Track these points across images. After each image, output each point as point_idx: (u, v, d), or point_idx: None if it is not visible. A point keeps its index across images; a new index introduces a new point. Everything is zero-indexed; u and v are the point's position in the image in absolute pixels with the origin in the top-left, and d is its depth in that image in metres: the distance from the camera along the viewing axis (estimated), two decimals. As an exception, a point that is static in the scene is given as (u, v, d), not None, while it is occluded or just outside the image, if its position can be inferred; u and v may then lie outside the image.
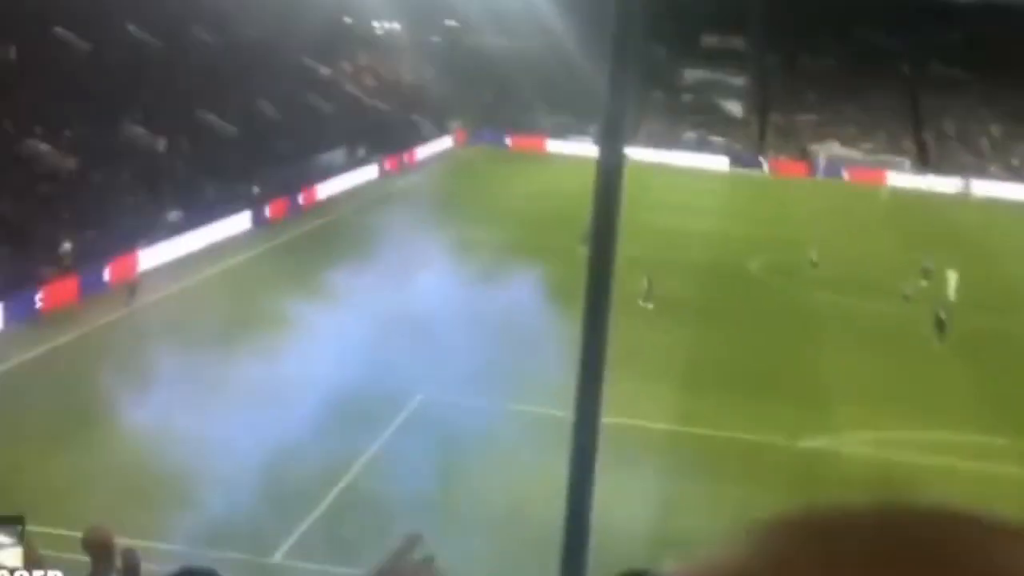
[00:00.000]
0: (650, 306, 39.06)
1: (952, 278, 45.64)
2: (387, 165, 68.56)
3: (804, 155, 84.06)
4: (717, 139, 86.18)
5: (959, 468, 28.49)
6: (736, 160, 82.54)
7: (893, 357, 37.48)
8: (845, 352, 37.95)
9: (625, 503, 23.85)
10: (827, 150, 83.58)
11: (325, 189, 59.39)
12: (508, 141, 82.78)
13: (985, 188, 77.20)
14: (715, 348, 37.07)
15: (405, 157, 72.12)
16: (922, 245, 53.29)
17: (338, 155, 65.08)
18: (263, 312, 34.98)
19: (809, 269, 48.76)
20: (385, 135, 70.81)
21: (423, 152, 75.50)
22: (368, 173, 65.65)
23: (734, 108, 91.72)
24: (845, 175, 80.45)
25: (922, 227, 61.86)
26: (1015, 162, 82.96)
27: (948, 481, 27.39)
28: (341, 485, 25.04)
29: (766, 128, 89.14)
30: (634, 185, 57.41)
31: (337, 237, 49.27)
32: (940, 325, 39.63)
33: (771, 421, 30.43)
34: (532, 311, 33.08)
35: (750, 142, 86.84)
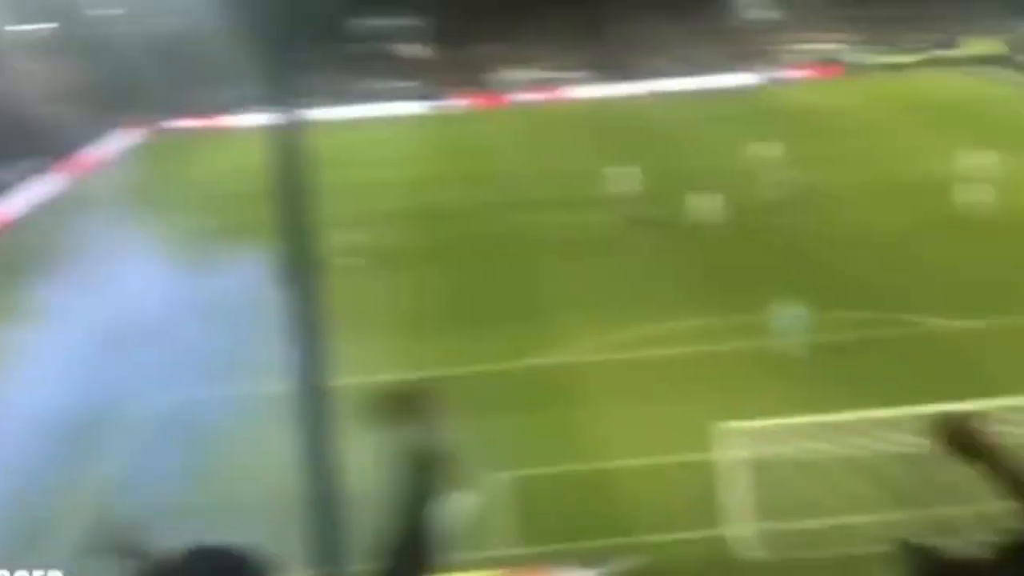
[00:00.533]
0: (361, 261, 38.74)
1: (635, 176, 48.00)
2: (62, 171, 65.19)
3: (488, 85, 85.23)
4: (400, 84, 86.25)
5: (680, 354, 29.76)
6: (422, 101, 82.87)
7: (601, 263, 38.71)
8: (557, 267, 38.93)
9: (373, 456, 23.76)
10: (510, 75, 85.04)
11: None
12: (186, 124, 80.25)
13: (665, 85, 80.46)
14: (434, 290, 37.30)
15: (81, 160, 68.79)
16: (613, 150, 55.10)
17: (5, 172, 61.35)
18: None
19: (509, 196, 49.56)
20: (55, 142, 67.27)
21: (99, 151, 72.20)
22: (44, 184, 62.20)
23: (411, 50, 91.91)
24: (530, 97, 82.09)
25: (610, 134, 63.83)
26: (680, 53, 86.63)
27: (677, 368, 28.61)
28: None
29: (447, 64, 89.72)
30: (324, 144, 56.64)
31: (21, 256, 46.67)
32: (637, 223, 41.37)
33: (500, 347, 30.92)
34: (243, 293, 32.28)
35: (433, 81, 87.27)
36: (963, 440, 2.89)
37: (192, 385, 29.18)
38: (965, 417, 2.84)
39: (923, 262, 35.82)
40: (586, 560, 20.43)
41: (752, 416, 21.98)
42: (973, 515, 19.60)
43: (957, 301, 31.60)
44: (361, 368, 27.50)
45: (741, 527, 20.65)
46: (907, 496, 20.15)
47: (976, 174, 42.10)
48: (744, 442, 20.83)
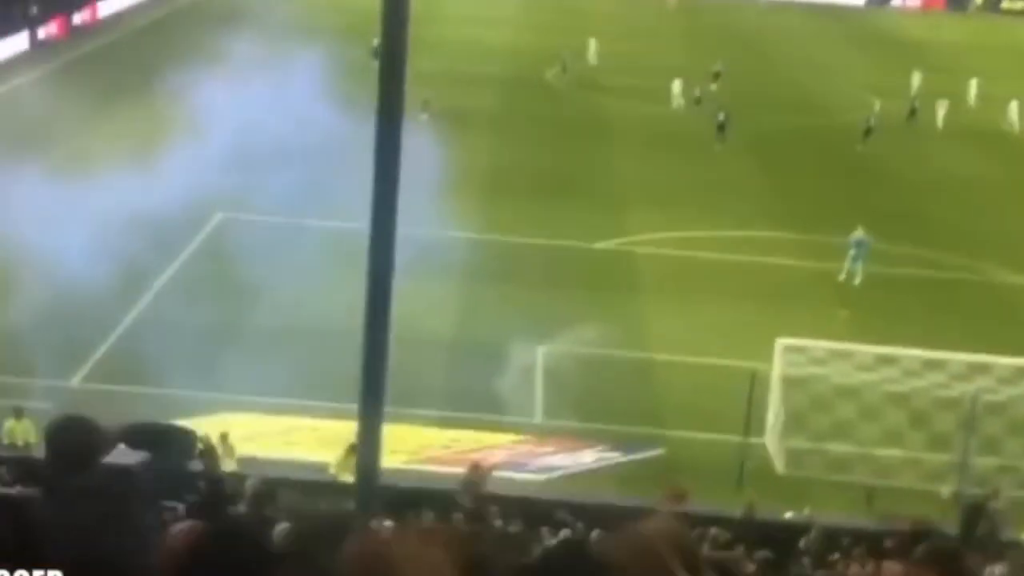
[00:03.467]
0: (424, 117, 38.54)
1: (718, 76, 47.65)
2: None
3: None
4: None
5: (750, 263, 29.90)
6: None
7: (682, 160, 38.62)
8: (637, 157, 38.91)
9: (430, 310, 24.37)
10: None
11: (106, 6, 56.53)
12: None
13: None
14: (511, 157, 37.47)
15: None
16: (711, 51, 54.38)
17: None
18: (50, 135, 33.65)
19: (601, 78, 49.25)
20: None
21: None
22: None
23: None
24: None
25: (710, 34, 62.86)
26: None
27: (741, 277, 28.77)
28: (140, 307, 24.87)
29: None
30: (426, -3, 56.15)
31: (121, 58, 47.31)
32: (721, 127, 41.06)
33: (567, 226, 31.18)
34: (328, 128, 32.66)
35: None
36: None
37: (260, 207, 29.88)
38: None
39: (1005, 214, 35.37)
40: (615, 443, 20.96)
41: (804, 334, 22.21)
42: (997, 467, 19.95)
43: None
44: (433, 221, 28.06)
45: (772, 440, 21.03)
46: (940, 439, 20.39)
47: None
48: (790, 358, 21.09)
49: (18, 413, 18.85)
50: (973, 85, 49.51)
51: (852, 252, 29.24)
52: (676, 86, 46.53)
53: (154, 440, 4.03)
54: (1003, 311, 27.81)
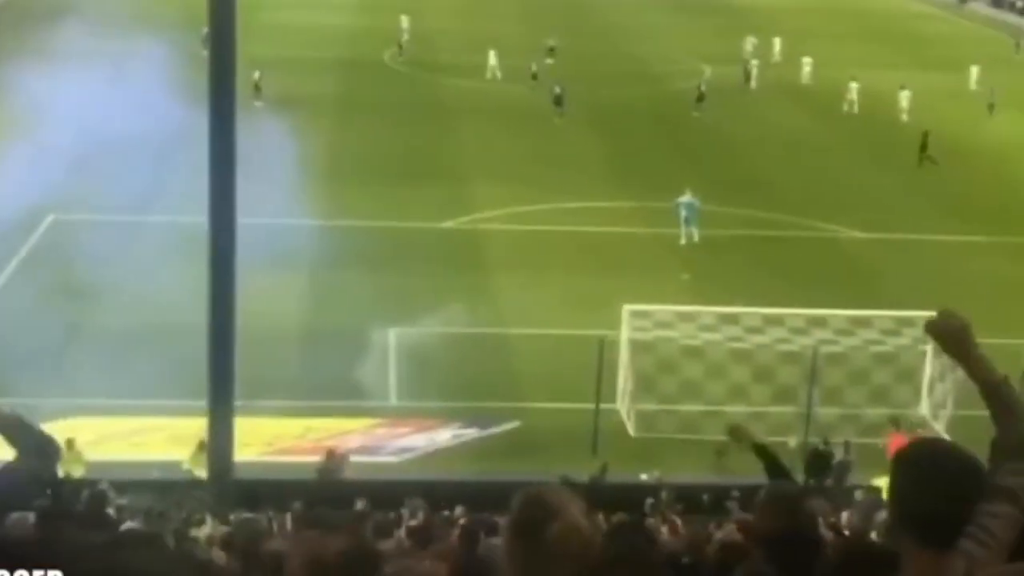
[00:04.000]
0: (258, 104, 38.07)
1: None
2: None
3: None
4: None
5: (589, 232, 30.32)
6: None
7: (520, 135, 38.92)
8: (477, 135, 39.07)
9: (278, 299, 24.14)
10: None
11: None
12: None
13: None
14: (353, 141, 37.28)
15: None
16: (545, 26, 54.92)
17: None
18: None
19: (438, 57, 49.25)
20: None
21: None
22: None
23: None
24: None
25: (544, 9, 63.35)
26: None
27: (584, 247, 29.16)
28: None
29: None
30: (256, -19, 55.13)
31: None
32: (558, 101, 41.56)
33: (412, 207, 31.17)
34: (161, 121, 31.95)
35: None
36: (943, 334, 3.19)
37: (93, 205, 29.15)
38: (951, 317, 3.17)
39: (842, 173, 36.54)
40: (470, 420, 21.11)
41: (649, 300, 22.67)
42: (840, 416, 20.73)
43: (868, 215, 32.37)
44: (275, 210, 27.74)
45: (623, 404, 21.45)
46: (784, 391, 21.08)
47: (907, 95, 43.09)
48: (636, 323, 21.52)
49: None
50: (780, 45, 51.01)
51: (684, 214, 29.99)
52: (492, 57, 47.00)
53: (20, 439, 3.84)
54: (837, 266, 28.77)
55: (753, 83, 47.29)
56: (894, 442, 18.59)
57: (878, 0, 70.51)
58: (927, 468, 2.97)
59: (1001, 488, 2.98)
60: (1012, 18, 64.92)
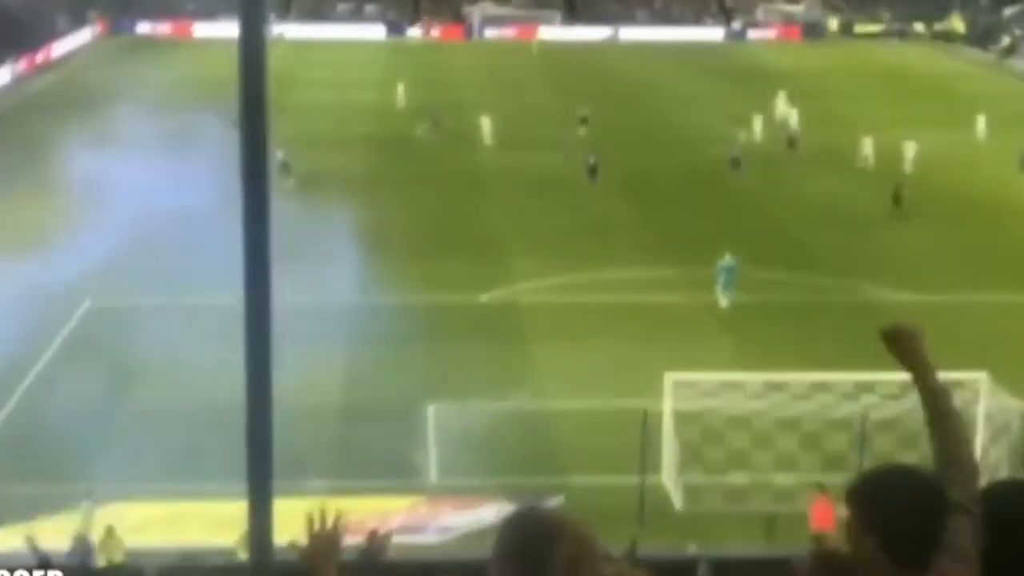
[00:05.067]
0: (290, 183, 37.83)
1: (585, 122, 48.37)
2: (22, 66, 64.02)
3: (458, 18, 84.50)
4: (371, 7, 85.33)
5: (631, 302, 30.04)
6: (392, 28, 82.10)
7: (556, 206, 38.84)
8: (513, 207, 39.00)
9: (316, 378, 23.94)
10: (480, 10, 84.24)
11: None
12: (153, 28, 79.05)
13: (632, 34, 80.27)
14: (386, 216, 37.26)
15: (41, 55, 67.55)
16: (577, 95, 55.09)
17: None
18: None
19: (473, 130, 49.41)
20: (15, 33, 65.98)
21: (61, 48, 70.93)
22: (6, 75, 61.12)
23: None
24: (497, 33, 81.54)
25: (575, 77, 63.71)
26: (658, 5, 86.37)
27: (623, 317, 28.87)
28: (11, 404, 23.99)
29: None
30: (289, 62, 56.27)
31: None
32: (592, 171, 41.60)
33: (450, 280, 31.03)
34: (194, 203, 32.12)
35: (404, 9, 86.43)
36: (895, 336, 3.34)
37: (131, 289, 29.22)
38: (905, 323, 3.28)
39: (872, 233, 36.22)
40: (513, 496, 20.71)
41: (691, 368, 22.31)
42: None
43: (900, 274, 32.01)
44: (314, 289, 27.68)
45: (669, 477, 21.02)
46: (834, 459, 20.59)
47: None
48: (680, 393, 21.16)
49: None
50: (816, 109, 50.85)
51: (722, 279, 29.78)
52: (485, 124, 47.22)
53: None
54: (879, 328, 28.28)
55: (796, 148, 46.96)
56: (818, 507, 18.24)
57: (922, 63, 70.60)
58: (895, 493, 3.02)
59: (955, 502, 3.01)
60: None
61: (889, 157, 43.43)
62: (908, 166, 42.76)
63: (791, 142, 47.04)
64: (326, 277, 30.02)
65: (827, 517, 17.92)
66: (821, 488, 18.77)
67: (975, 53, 72.93)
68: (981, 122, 49.28)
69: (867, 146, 44.54)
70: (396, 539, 18.70)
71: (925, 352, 3.31)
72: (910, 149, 43.40)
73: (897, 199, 37.74)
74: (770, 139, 47.94)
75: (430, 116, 50.23)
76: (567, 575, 2.82)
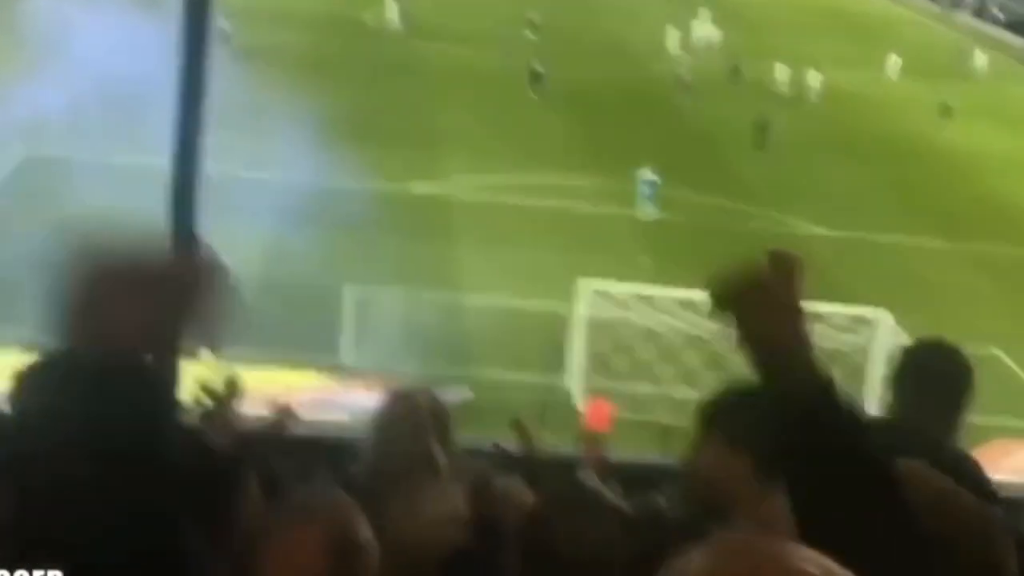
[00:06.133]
0: (228, 52, 37.31)
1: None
2: None
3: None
4: None
5: (556, 208, 30.40)
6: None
7: (497, 107, 38.87)
8: (452, 102, 38.97)
9: (238, 251, 23.99)
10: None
11: None
12: None
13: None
14: (326, 101, 37.01)
15: None
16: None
17: None
18: None
19: (421, 20, 48.99)
20: None
21: None
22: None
23: None
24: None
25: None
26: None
27: (551, 222, 29.24)
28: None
29: None
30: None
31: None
32: (536, 77, 41.59)
33: (382, 169, 31.11)
34: (129, 57, 31.64)
35: None
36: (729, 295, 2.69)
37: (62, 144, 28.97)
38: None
39: (801, 167, 36.80)
40: (423, 382, 21.13)
41: (609, 278, 22.79)
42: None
43: (818, 208, 32.67)
44: (239, 162, 27.60)
45: (575, 380, 21.58)
46: (735, 378, 21.23)
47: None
48: (595, 301, 21.65)
49: None
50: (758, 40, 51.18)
51: (643, 192, 30.36)
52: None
53: None
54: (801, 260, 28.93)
55: (736, 77, 47.26)
56: (593, 408, 19.27)
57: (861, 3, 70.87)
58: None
59: None
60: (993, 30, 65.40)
61: (800, 87, 44.32)
62: (814, 97, 43.70)
63: (734, 70, 47.23)
64: (257, 153, 29.93)
65: (602, 418, 18.85)
66: (598, 393, 19.66)
67: (922, 1, 73.28)
68: (895, 64, 50.15)
69: (816, 80, 45.22)
70: (304, 414, 19.05)
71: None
72: (815, 80, 44.33)
73: (762, 128, 38.41)
74: (709, 62, 48.13)
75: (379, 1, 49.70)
76: (413, 443, 3.08)
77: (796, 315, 1.89)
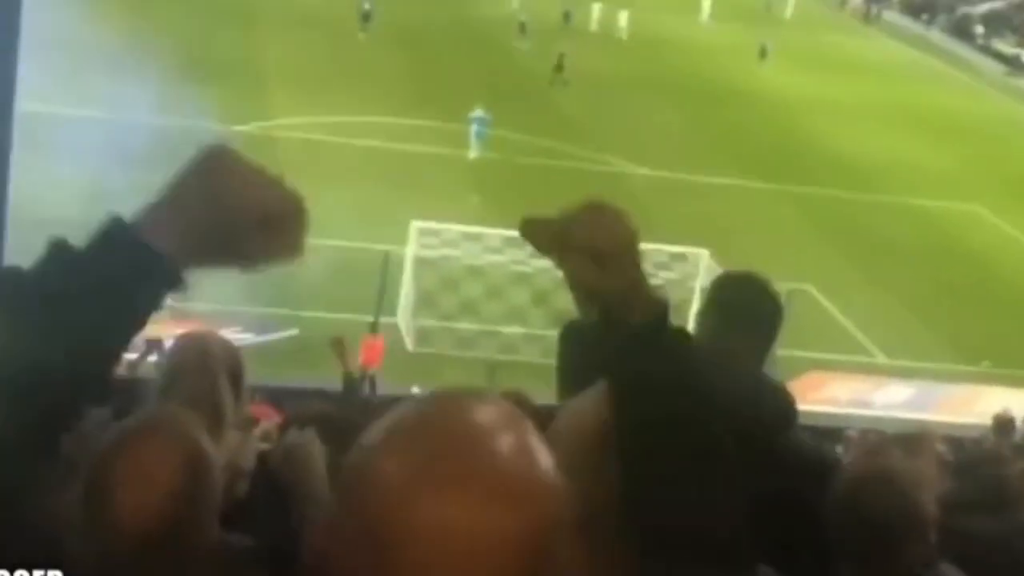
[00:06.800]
0: None
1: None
2: None
3: None
4: None
5: (388, 149, 30.30)
6: None
7: (325, 46, 38.37)
8: (278, 40, 38.31)
9: (57, 192, 23.35)
10: None
11: None
12: None
13: None
14: (146, 33, 35.99)
15: None
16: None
17: None
18: None
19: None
20: None
21: None
22: None
23: None
24: None
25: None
26: None
27: (379, 162, 29.14)
28: None
29: None
30: None
31: None
32: (366, 16, 41.19)
33: (205, 106, 30.45)
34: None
35: None
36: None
37: None
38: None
39: (620, 105, 37.38)
40: (247, 322, 20.99)
41: (437, 219, 22.91)
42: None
43: (643, 149, 33.35)
44: (62, 99, 26.69)
45: (404, 319, 21.70)
46: (560, 315, 21.65)
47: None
48: (424, 240, 21.76)
49: None
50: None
51: (474, 128, 30.65)
52: None
53: None
54: (617, 198, 29.18)
55: (570, 19, 47.54)
56: (367, 344, 19.64)
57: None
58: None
59: None
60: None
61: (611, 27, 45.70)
62: (622, 35, 45.19)
63: (566, 16, 47.45)
64: (77, 89, 28.98)
65: (375, 353, 19.49)
66: (374, 329, 20.05)
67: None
68: (706, 8, 51.58)
69: (623, 19, 46.37)
70: (126, 358, 18.71)
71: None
72: (623, 19, 45.55)
73: (559, 67, 39.09)
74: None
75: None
76: (199, 387, 3.12)
77: (612, 258, 1.91)
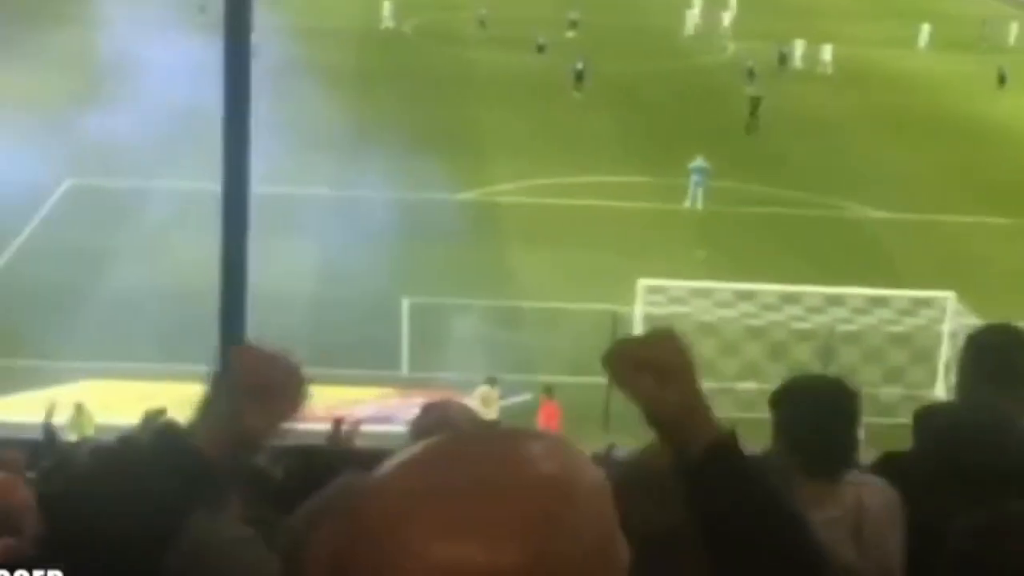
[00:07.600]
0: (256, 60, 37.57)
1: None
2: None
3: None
4: None
5: (607, 207, 30.18)
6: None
7: (541, 109, 38.70)
8: (496, 107, 38.85)
9: (290, 268, 24.07)
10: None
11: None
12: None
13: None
14: (362, 111, 37.05)
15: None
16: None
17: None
18: None
19: (462, 29, 48.98)
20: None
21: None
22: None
23: None
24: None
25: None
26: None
27: (601, 222, 29.03)
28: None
29: None
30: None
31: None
32: (579, 76, 41.39)
33: (430, 178, 31.02)
34: (175, 85, 31.83)
35: None
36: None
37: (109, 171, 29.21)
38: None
39: (850, 147, 36.31)
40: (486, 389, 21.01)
41: (663, 276, 22.54)
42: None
43: (876, 191, 32.20)
44: (290, 179, 27.67)
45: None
46: (798, 369, 20.92)
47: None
48: (650, 298, 21.41)
49: None
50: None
51: (694, 179, 30.21)
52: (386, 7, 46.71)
53: None
54: (853, 245, 28.60)
55: (790, 64, 46.83)
56: (545, 409, 19.14)
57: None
58: (809, 401, 3.15)
59: None
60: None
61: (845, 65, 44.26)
62: (826, 69, 44.77)
63: (782, 58, 46.70)
64: (303, 169, 29.96)
65: (552, 419, 19.02)
66: (548, 392, 19.56)
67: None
68: (923, 38, 49.83)
69: (826, 53, 45.35)
70: (365, 428, 18.96)
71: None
72: (827, 53, 44.97)
73: (754, 111, 38.16)
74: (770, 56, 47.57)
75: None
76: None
77: (671, 375, 1.98)
